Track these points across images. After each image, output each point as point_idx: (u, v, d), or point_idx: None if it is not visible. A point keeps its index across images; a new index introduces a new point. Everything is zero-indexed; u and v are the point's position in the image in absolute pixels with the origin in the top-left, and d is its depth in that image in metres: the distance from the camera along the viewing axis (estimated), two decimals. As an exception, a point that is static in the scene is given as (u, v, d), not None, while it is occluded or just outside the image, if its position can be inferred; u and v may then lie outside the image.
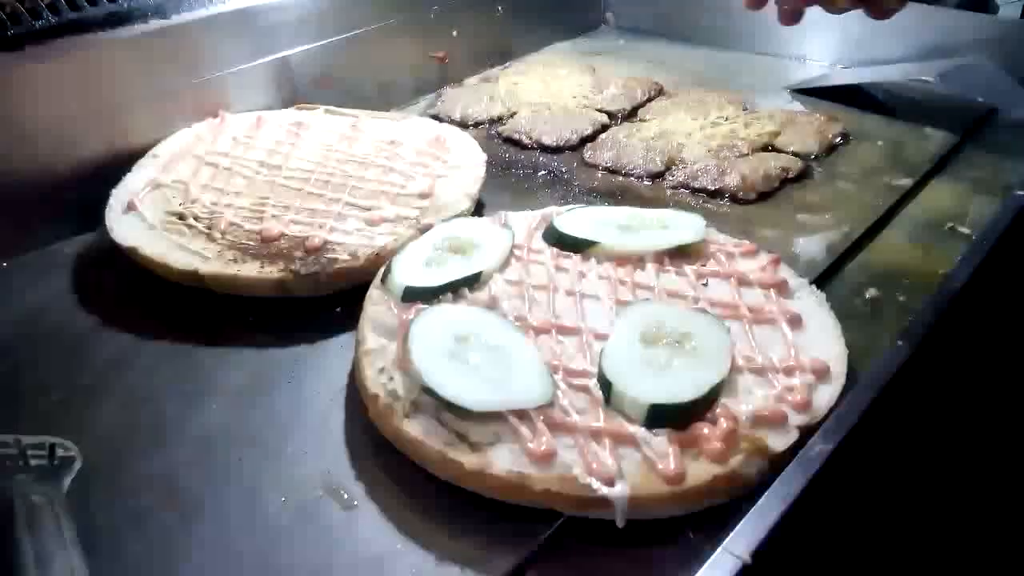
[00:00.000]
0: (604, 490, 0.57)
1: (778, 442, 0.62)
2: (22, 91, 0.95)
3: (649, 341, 0.69)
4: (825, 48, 1.46)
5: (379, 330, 0.73)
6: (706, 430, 0.62)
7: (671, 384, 0.64)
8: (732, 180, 1.04)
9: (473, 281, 0.78)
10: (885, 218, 0.99)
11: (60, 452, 0.64)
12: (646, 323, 0.71)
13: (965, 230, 0.96)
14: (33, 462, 0.63)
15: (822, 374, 0.68)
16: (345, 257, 0.85)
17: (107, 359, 0.78)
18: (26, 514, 0.56)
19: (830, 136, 1.16)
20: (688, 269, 0.81)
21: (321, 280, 0.83)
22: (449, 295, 0.76)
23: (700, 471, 0.59)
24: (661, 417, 0.62)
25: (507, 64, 1.50)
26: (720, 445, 0.60)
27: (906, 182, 1.06)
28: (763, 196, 1.03)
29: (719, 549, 0.52)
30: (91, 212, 0.93)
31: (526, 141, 1.19)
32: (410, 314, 0.72)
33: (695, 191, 1.05)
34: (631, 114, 1.28)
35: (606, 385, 0.65)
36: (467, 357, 0.67)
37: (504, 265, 0.81)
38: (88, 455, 0.65)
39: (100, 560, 0.56)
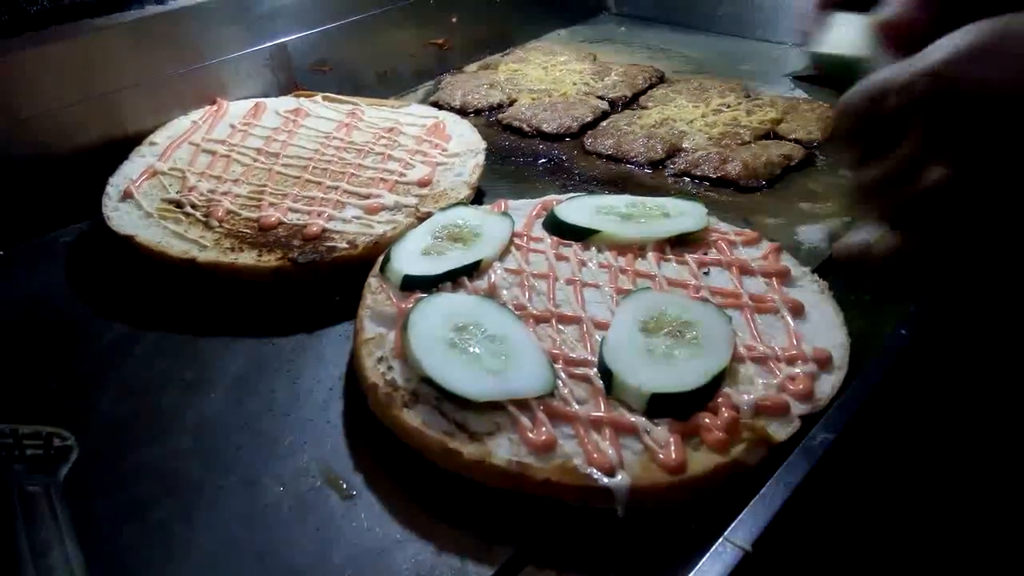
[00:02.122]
0: (605, 480, 0.57)
1: (780, 431, 0.61)
2: (17, 78, 0.94)
3: (650, 330, 0.68)
4: (828, 35, 1.44)
5: (378, 319, 0.72)
6: (707, 420, 0.61)
7: (672, 373, 0.64)
8: (734, 168, 1.03)
9: (472, 270, 0.77)
10: (888, 206, 0.98)
11: (57, 441, 0.64)
12: (647, 312, 0.70)
13: (968, 218, 0.95)
14: (30, 452, 0.62)
15: (824, 363, 0.67)
16: (343, 245, 0.84)
17: (104, 348, 0.78)
18: (22, 504, 0.56)
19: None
20: (689, 258, 0.80)
21: (319, 268, 0.82)
22: (448, 284, 0.76)
23: (701, 461, 0.59)
24: (662, 406, 0.62)
25: (507, 51, 1.49)
26: (722, 435, 0.60)
27: (909, 170, 1.05)
28: (765, 184, 1.02)
29: (720, 539, 0.52)
30: (88, 200, 0.92)
31: (526, 129, 1.18)
32: (409, 303, 0.72)
33: (697, 179, 1.04)
34: (632, 101, 1.27)
35: (607, 374, 0.64)
36: (467, 346, 0.66)
37: (504, 254, 0.80)
38: (85, 444, 0.65)
39: (97, 550, 0.55)
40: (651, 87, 1.31)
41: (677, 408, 0.62)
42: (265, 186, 0.94)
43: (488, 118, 1.24)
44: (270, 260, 0.82)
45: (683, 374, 0.64)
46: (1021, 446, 0.82)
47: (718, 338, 0.68)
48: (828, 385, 0.66)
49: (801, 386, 0.64)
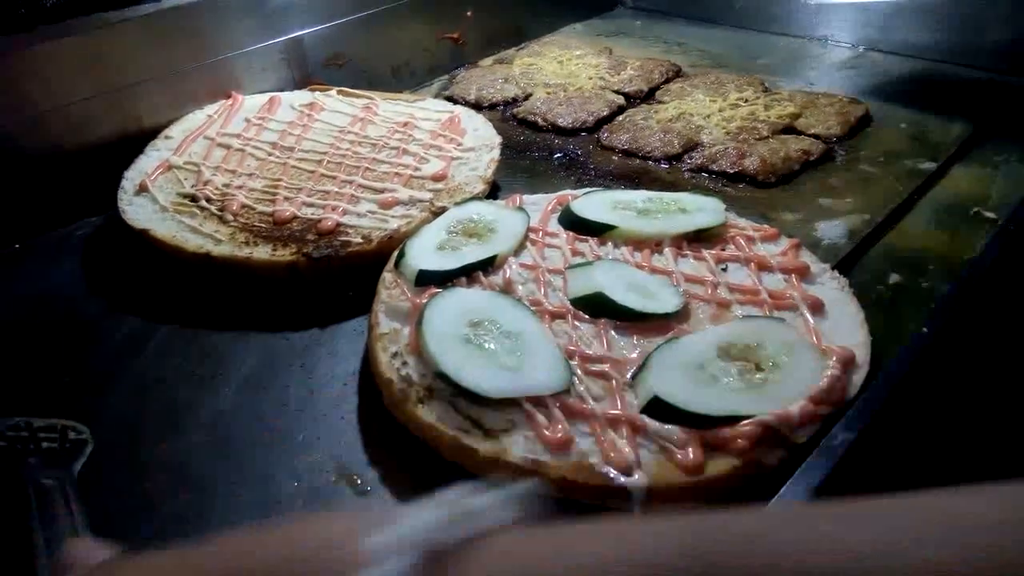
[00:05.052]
0: (621, 479, 0.56)
1: (800, 433, 0.60)
2: (33, 72, 0.94)
3: (727, 355, 0.65)
4: (847, 29, 1.43)
5: (392, 314, 0.72)
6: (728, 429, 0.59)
7: (696, 392, 0.61)
8: (752, 163, 1.02)
9: (488, 265, 0.76)
10: (908, 202, 0.97)
11: (72, 435, 0.64)
12: (741, 338, 0.66)
13: (990, 214, 0.93)
14: (44, 445, 0.62)
15: (847, 363, 0.66)
16: (358, 240, 0.84)
17: (119, 342, 0.78)
18: (37, 498, 0.56)
19: (852, 119, 1.13)
20: (707, 254, 0.79)
21: (334, 263, 0.82)
22: (463, 279, 0.75)
23: (720, 462, 0.58)
24: (660, 411, 0.60)
25: (522, 45, 1.48)
26: (743, 442, 0.58)
27: (929, 166, 1.03)
28: (783, 179, 1.01)
29: (739, 540, 0.51)
30: (103, 194, 0.92)
31: (541, 123, 1.17)
32: (424, 298, 0.71)
33: (714, 174, 1.03)
34: (648, 96, 1.26)
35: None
36: (482, 342, 0.66)
37: (519, 249, 0.80)
38: (99, 438, 0.65)
39: (111, 544, 0.55)
40: (667, 81, 1.30)
41: (672, 418, 0.60)
42: (280, 180, 0.94)
43: (503, 112, 1.23)
44: (284, 255, 0.82)
45: (705, 397, 0.61)
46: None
47: (789, 389, 0.62)
48: (849, 384, 0.65)
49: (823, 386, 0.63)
